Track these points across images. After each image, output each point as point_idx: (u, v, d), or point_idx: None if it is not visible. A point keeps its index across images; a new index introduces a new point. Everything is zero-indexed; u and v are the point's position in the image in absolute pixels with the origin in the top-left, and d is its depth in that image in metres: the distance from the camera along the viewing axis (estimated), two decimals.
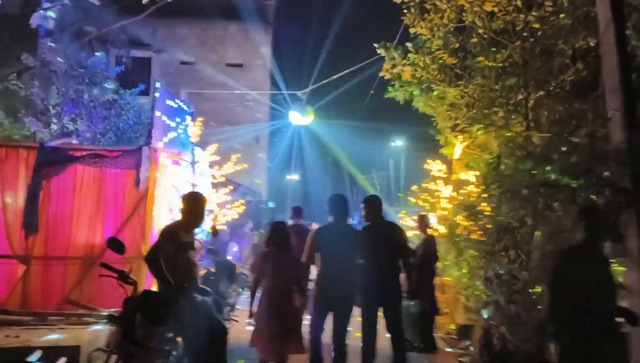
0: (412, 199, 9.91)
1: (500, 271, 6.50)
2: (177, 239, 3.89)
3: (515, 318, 6.47)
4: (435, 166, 9.90)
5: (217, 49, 16.31)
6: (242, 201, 8.72)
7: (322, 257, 4.87)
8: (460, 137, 9.62)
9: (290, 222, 7.58)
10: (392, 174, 32.24)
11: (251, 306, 4.89)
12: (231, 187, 8.89)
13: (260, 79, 16.71)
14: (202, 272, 5.90)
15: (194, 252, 4.11)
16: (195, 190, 6.22)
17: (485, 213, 7.03)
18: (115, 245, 3.66)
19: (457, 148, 9.68)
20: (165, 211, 8.44)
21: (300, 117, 10.86)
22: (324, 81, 10.46)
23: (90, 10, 11.09)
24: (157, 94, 8.19)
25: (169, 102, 8.58)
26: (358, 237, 5.03)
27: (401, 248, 5.32)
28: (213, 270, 5.66)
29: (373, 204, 5.44)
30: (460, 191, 9.83)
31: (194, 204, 4.15)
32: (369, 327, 5.07)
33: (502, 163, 7.02)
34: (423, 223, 6.47)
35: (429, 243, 6.34)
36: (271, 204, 15.98)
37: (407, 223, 9.55)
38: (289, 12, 18.71)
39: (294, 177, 43.02)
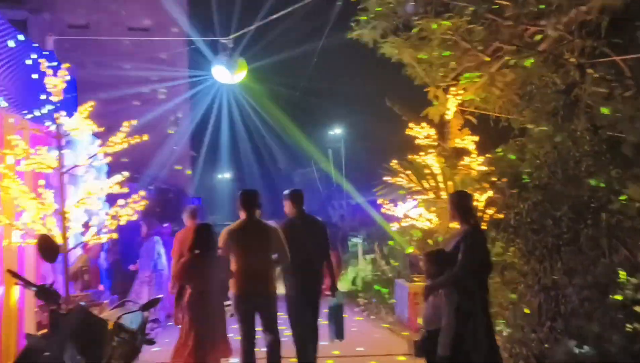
0: (390, 179, 7.08)
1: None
2: None
3: None
4: (422, 132, 7.16)
5: (116, 10, 12.81)
6: (143, 193, 5.54)
7: (236, 256, 4.68)
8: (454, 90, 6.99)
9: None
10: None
11: (177, 314, 4.60)
12: (126, 174, 5.67)
13: (173, 44, 13.41)
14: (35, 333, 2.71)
15: None
16: None
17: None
18: None
19: (451, 104, 7.02)
20: (7, 214, 5.17)
21: (227, 74, 7.70)
22: (258, 23, 7.44)
23: None
24: None
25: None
26: (270, 231, 4.84)
27: (327, 242, 5.38)
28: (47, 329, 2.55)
29: (295, 198, 5.32)
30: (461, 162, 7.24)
31: None
32: (302, 324, 5.11)
33: None
34: (462, 205, 3.63)
35: (476, 241, 3.54)
36: (197, 202, 12.84)
37: (395, 212, 6.76)
38: None
39: (225, 175, 39.56)
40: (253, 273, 4.61)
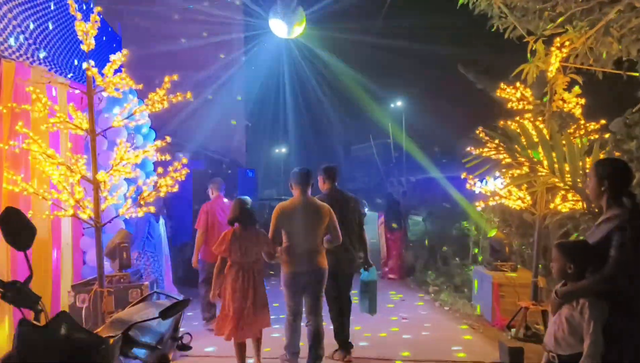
0: (474, 150, 5.92)
1: None
2: None
3: None
4: (515, 93, 5.91)
5: None
6: (185, 161, 4.73)
7: (287, 234, 4.71)
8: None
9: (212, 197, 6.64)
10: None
11: (216, 288, 4.67)
12: (168, 138, 4.90)
13: (230, 9, 12.63)
14: None
15: None
16: None
17: None
18: None
19: (555, 59, 5.71)
20: (36, 182, 4.53)
21: (284, 27, 6.79)
22: None
23: None
24: None
25: None
26: (324, 211, 4.77)
27: (360, 218, 5.48)
28: None
29: (328, 174, 5.39)
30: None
31: None
32: (339, 300, 5.28)
33: None
34: (618, 180, 2.55)
35: (638, 231, 2.46)
36: (250, 174, 12.11)
37: (480, 189, 5.64)
38: None
39: (281, 149, 39.11)
40: (304, 252, 4.64)
